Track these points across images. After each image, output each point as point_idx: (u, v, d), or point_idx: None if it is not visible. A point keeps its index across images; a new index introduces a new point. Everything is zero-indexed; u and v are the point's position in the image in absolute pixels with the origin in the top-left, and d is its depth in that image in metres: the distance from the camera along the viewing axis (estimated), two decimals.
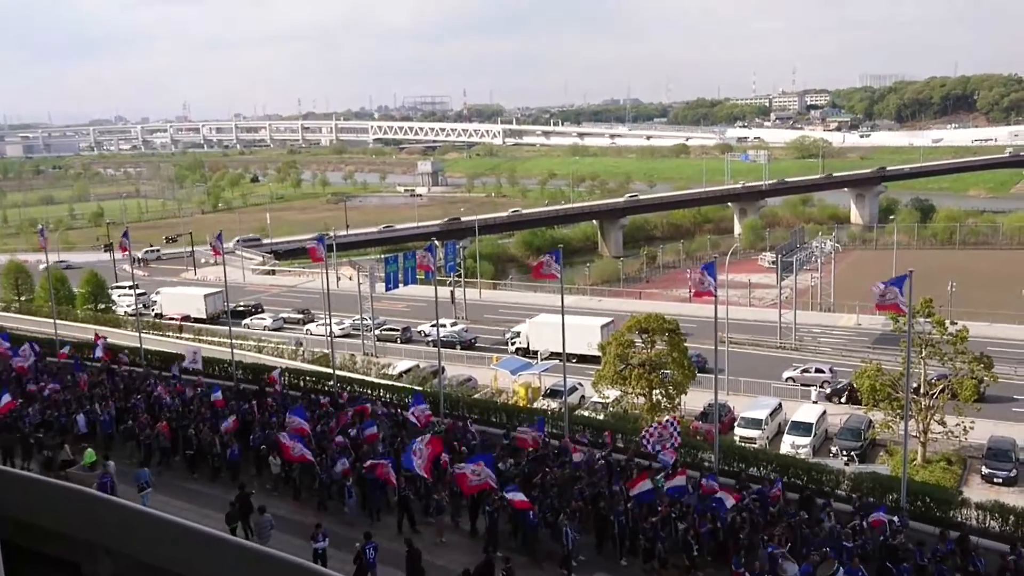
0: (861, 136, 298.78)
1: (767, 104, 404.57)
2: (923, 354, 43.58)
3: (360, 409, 33.92)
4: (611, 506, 25.43)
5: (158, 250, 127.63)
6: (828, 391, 55.59)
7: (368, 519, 26.77)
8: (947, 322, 43.46)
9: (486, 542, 25.25)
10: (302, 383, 40.61)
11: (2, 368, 41.39)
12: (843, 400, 53.84)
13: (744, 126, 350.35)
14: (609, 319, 65.20)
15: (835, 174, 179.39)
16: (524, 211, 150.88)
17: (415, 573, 22.46)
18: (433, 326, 72.70)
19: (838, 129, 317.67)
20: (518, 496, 24.97)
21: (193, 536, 21.99)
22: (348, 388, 39.69)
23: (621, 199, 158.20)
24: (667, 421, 29.09)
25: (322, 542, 23.36)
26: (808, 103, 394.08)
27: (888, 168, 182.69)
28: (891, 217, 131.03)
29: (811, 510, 25.42)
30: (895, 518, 24.78)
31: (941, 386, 43.46)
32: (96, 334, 49.31)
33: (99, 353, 43.79)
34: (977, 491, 38.36)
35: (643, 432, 28.85)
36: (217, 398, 35.03)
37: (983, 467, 42.85)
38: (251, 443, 31.40)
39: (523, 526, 25.37)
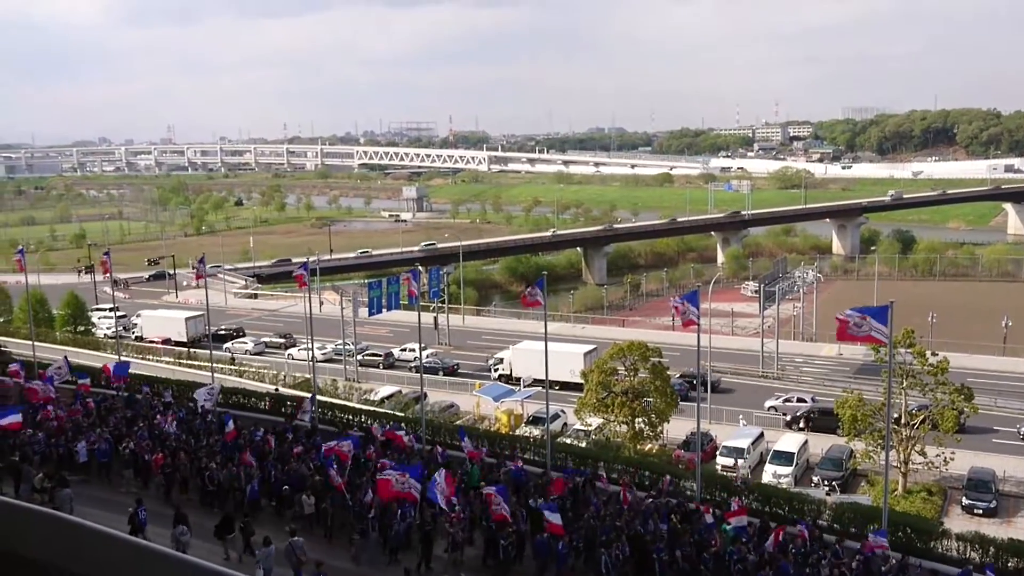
0: (843, 168, 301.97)
1: (750, 135, 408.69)
2: (904, 385, 43.74)
3: (395, 440, 33.06)
4: (653, 541, 24.97)
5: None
6: (789, 418, 55.70)
7: (389, 555, 25.69)
8: (928, 353, 43.70)
9: (501, 574, 24.81)
10: (284, 409, 40.26)
11: (15, 398, 39.85)
12: (803, 427, 53.94)
13: (728, 156, 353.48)
14: (592, 347, 65.12)
15: (815, 204, 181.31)
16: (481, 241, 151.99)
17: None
18: (403, 350, 72.84)
19: (820, 160, 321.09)
20: (554, 518, 24.47)
21: (167, 563, 21.64)
22: (329, 413, 39.43)
23: (603, 227, 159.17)
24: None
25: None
26: (791, 134, 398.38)
27: (867, 201, 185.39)
28: (873, 248, 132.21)
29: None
30: None
31: (922, 416, 43.58)
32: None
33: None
34: (957, 522, 38.41)
35: None
36: (230, 429, 33.79)
37: (963, 498, 42.88)
38: (271, 479, 29.98)
39: (554, 556, 24.69)
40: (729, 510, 27.27)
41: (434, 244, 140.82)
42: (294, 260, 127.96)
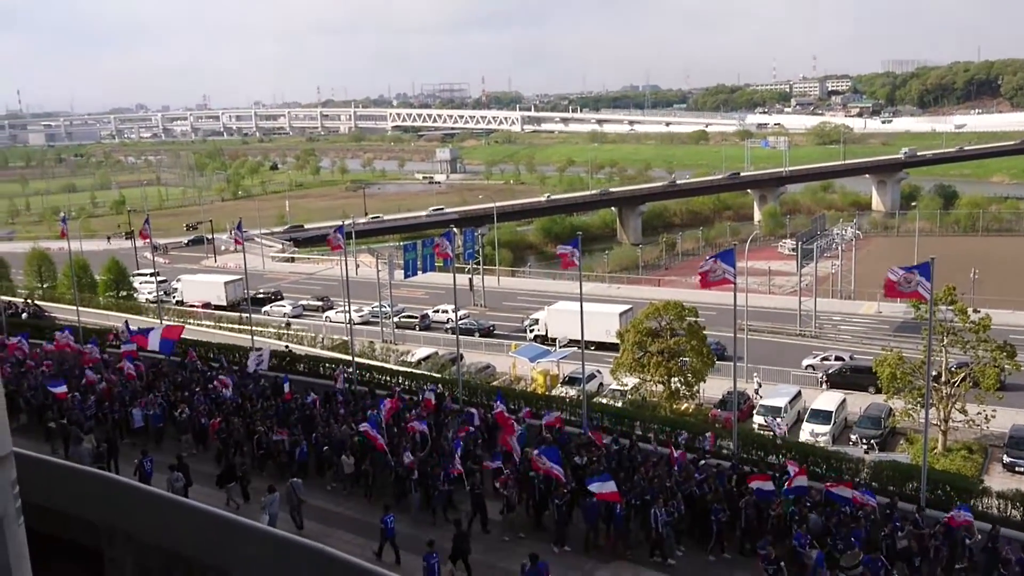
0: (883, 122, 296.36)
1: (787, 90, 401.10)
2: (944, 342, 43.18)
3: (427, 404, 33.22)
4: (712, 502, 24.67)
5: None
6: (821, 376, 55.28)
7: (430, 516, 25.94)
8: (969, 310, 43.05)
9: (555, 535, 24.81)
10: (321, 370, 40.76)
11: (71, 363, 40.52)
12: (828, 385, 53.58)
13: (764, 112, 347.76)
14: (628, 306, 65.03)
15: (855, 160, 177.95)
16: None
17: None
18: (436, 311, 73.40)
19: (859, 115, 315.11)
20: (607, 487, 23.91)
21: (215, 522, 22.10)
22: (367, 375, 39.90)
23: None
24: None
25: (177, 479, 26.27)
26: (829, 89, 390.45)
27: (908, 153, 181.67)
28: (913, 204, 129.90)
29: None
30: None
31: (962, 374, 43.07)
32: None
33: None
34: (998, 480, 38.07)
35: None
36: (287, 391, 34.14)
37: (1004, 456, 42.40)
38: (314, 441, 30.16)
39: (611, 520, 24.44)
40: (785, 473, 26.53)
41: (442, 209, 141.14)
42: (307, 226, 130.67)
